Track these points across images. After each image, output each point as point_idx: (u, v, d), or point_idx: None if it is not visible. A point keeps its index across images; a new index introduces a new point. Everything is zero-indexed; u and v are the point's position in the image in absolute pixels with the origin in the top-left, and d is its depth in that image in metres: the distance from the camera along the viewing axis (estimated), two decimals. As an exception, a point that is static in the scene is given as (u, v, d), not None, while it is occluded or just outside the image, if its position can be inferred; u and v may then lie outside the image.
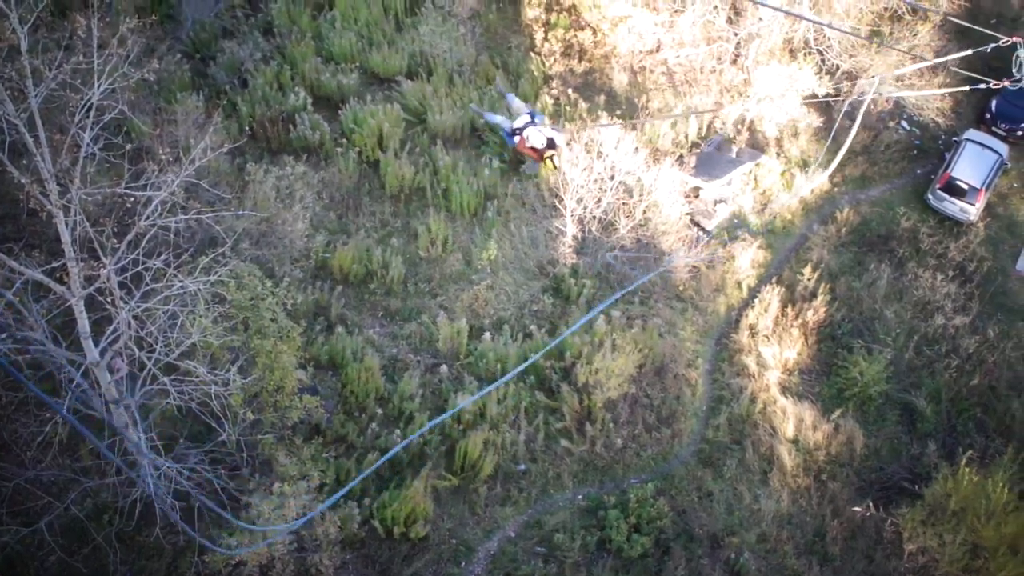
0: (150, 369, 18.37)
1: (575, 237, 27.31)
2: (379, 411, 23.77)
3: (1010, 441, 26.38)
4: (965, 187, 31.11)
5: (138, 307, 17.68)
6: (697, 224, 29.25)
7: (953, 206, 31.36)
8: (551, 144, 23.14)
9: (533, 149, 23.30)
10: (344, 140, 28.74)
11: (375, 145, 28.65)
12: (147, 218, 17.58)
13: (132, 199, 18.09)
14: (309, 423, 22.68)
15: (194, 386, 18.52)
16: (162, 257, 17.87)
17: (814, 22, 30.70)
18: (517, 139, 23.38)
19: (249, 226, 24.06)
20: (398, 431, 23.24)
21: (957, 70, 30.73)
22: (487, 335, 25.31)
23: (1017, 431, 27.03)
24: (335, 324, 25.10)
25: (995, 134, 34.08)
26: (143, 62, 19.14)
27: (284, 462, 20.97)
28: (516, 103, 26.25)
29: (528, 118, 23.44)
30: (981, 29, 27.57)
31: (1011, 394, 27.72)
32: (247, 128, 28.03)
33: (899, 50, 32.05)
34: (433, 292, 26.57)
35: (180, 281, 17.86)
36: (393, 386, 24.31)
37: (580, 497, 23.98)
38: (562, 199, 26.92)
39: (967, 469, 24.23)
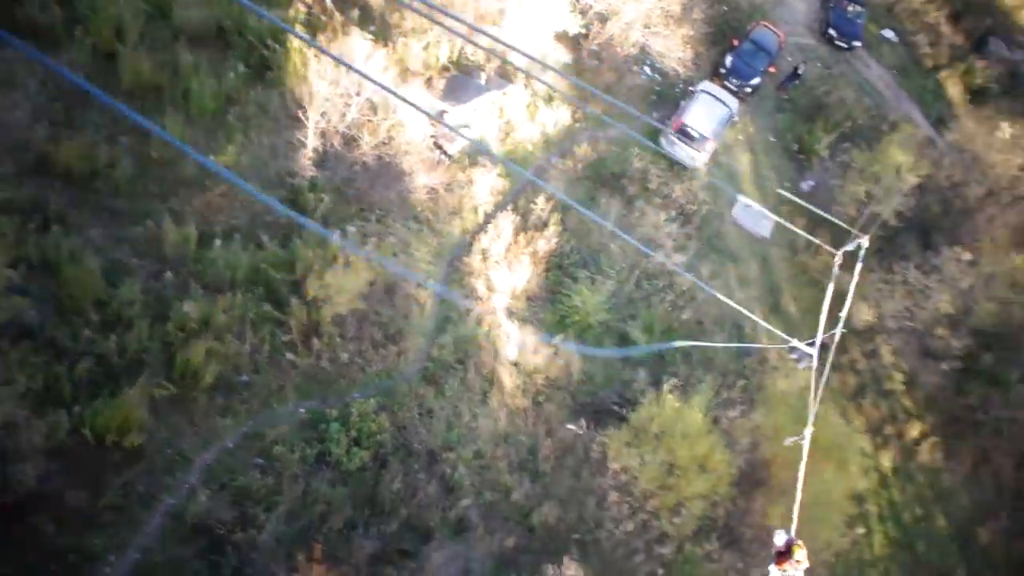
0: None
1: (316, 150, 26.97)
2: (96, 316, 22.75)
3: (710, 371, 28.69)
4: (695, 135, 33.04)
5: None
6: (440, 147, 29.57)
7: (683, 151, 33.24)
8: None
9: None
10: (78, 26, 26.89)
11: (112, 35, 26.93)
12: None
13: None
14: (19, 325, 21.41)
15: None
16: None
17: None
18: None
19: (-39, 110, 22.34)
20: (114, 337, 22.39)
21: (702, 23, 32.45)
22: (217, 242, 24.69)
23: (718, 364, 29.41)
24: (53, 222, 23.71)
25: (727, 88, 36.28)
26: None
27: (-12, 366, 19.87)
28: None
29: None
30: None
31: (715, 329, 30.06)
32: (-35, 2, 25.78)
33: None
34: (164, 195, 25.47)
35: None
36: (114, 290, 23.26)
37: (302, 410, 24.03)
38: (306, 110, 26.49)
39: (670, 395, 26.23)
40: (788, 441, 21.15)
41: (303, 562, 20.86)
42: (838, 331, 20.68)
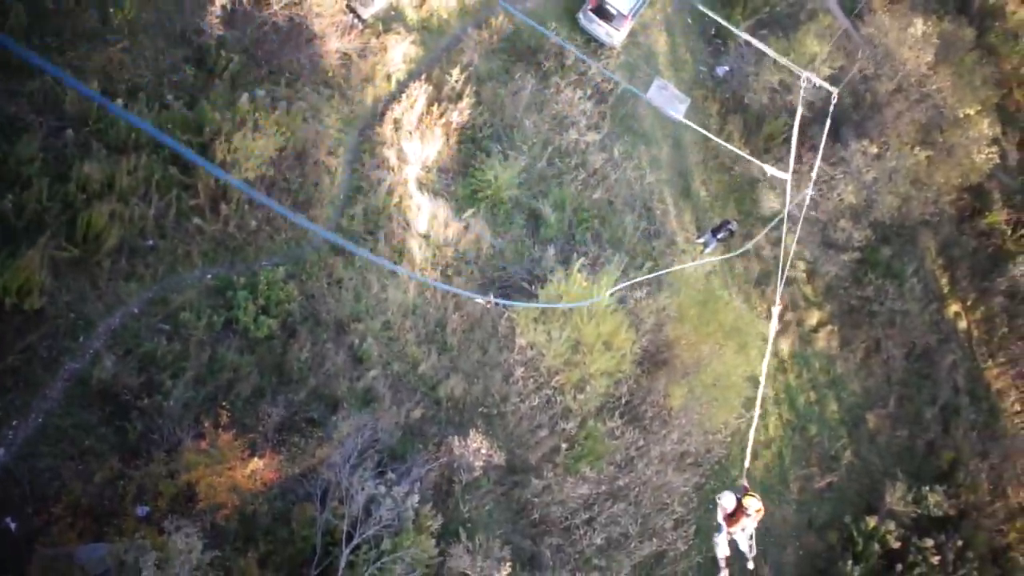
0: None
1: (224, 7, 25.77)
2: (-9, 173, 21.85)
3: (619, 251, 29.06)
4: (614, 12, 32.56)
5: None
6: (353, 11, 28.54)
7: (600, 28, 32.83)
8: None
9: None
10: None
11: None
12: None
13: None
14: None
15: None
16: None
17: None
18: None
19: None
20: (11, 196, 21.51)
21: None
22: (120, 101, 23.65)
23: (626, 243, 29.80)
24: (-61, 72, 22.48)
25: (648, -35, 35.71)
26: None
27: None
28: None
29: None
30: None
31: (626, 209, 30.31)
32: None
33: None
34: (61, 49, 24.18)
35: None
36: (10, 147, 22.24)
37: (209, 277, 23.64)
38: (213, -35, 25.32)
39: (579, 274, 26.49)
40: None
41: (209, 428, 20.81)
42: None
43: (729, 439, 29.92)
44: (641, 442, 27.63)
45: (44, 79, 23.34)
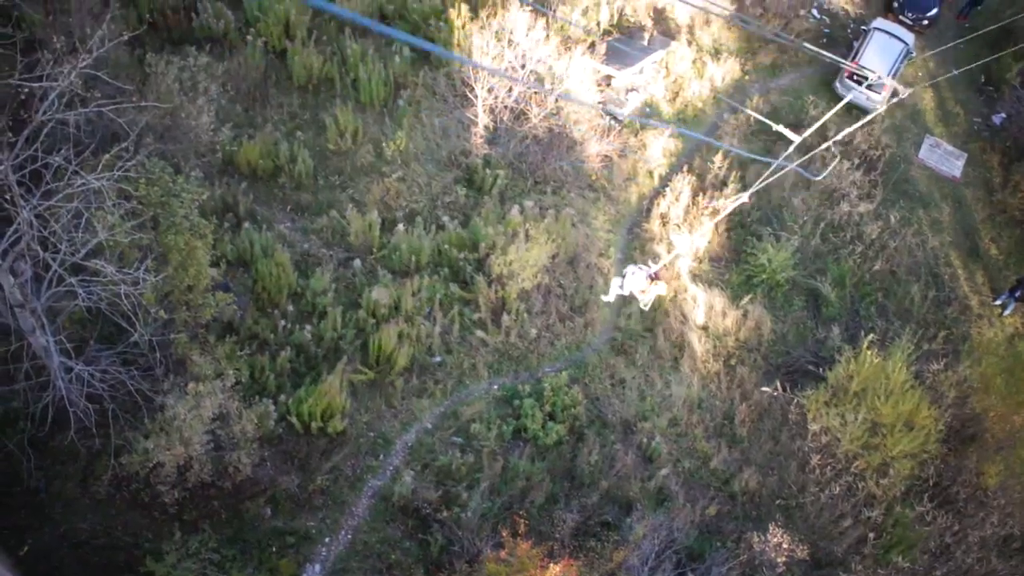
0: (55, 270, 17.76)
1: (487, 127, 26.98)
2: (291, 307, 23.50)
3: (908, 323, 27.42)
4: (871, 76, 31.38)
5: (40, 206, 16.97)
6: (609, 113, 29.12)
7: (860, 94, 31.72)
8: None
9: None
10: (249, 29, 27.68)
11: (281, 34, 27.67)
12: (44, 112, 16.76)
13: (27, 91, 17.21)
14: (222, 321, 22.35)
15: (103, 286, 17.97)
16: (62, 153, 17.11)
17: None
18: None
19: (152, 120, 23.11)
20: (309, 327, 23.04)
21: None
22: (400, 227, 25.07)
23: (915, 314, 28.09)
24: (243, 220, 24.55)
25: (902, 23, 34.41)
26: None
27: (198, 361, 20.63)
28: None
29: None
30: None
31: (910, 279, 28.68)
32: (147, 16, 26.78)
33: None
34: (343, 185, 26.13)
35: (83, 178, 17.16)
36: (306, 281, 24.02)
37: (495, 387, 24.27)
38: (473, 88, 26.51)
39: (868, 351, 25.13)
40: None
41: (507, 538, 20.97)
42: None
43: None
44: (956, 527, 25.48)
45: (331, 215, 25.09)
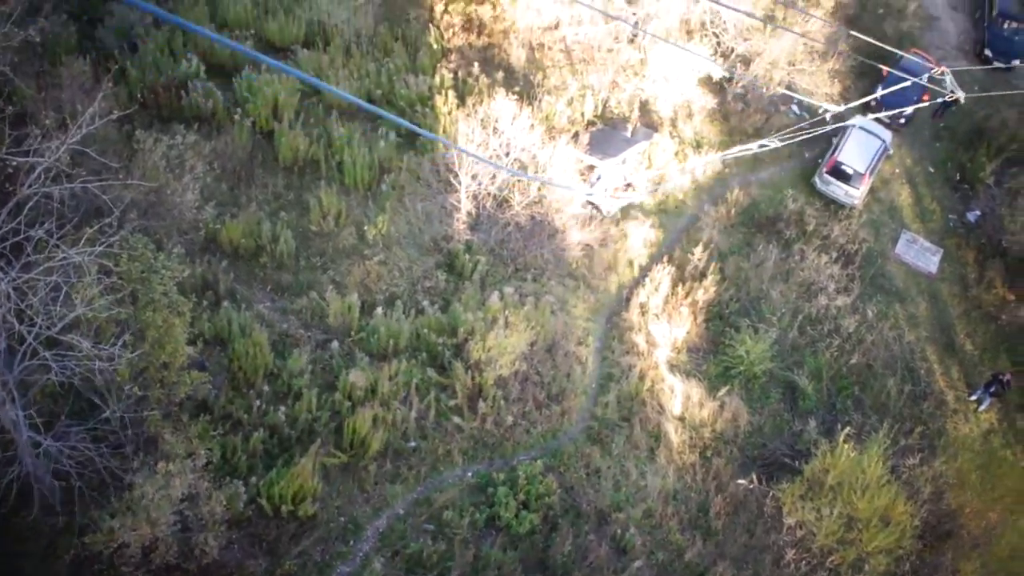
0: (30, 343, 17.70)
1: (469, 213, 27.26)
2: (267, 387, 23.41)
3: (884, 418, 27.51)
4: (850, 172, 32.00)
5: (18, 278, 16.99)
6: (591, 203, 29.45)
7: (839, 189, 32.24)
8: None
9: None
10: (238, 109, 28.05)
11: (269, 115, 28.09)
12: (30, 185, 16.90)
13: (14, 165, 17.36)
14: (196, 399, 22.20)
15: (77, 361, 17.90)
16: (45, 226, 17.20)
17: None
18: None
19: (137, 196, 23.22)
20: (284, 408, 22.93)
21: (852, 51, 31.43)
22: (379, 311, 25.11)
23: (891, 408, 28.21)
24: (223, 298, 24.57)
25: (880, 121, 35.07)
26: (26, 22, 18.34)
27: (170, 439, 20.45)
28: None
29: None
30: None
31: (887, 372, 28.84)
32: (137, 95, 27.15)
33: (793, 32, 32.72)
34: (325, 266, 26.25)
35: (64, 251, 17.22)
36: (282, 362, 23.96)
37: (470, 474, 24.09)
38: (457, 175, 26.82)
39: (845, 445, 25.15)
40: None
41: (478, 630, 20.74)
42: None
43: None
44: (933, 624, 25.33)
45: (310, 296, 25.15)
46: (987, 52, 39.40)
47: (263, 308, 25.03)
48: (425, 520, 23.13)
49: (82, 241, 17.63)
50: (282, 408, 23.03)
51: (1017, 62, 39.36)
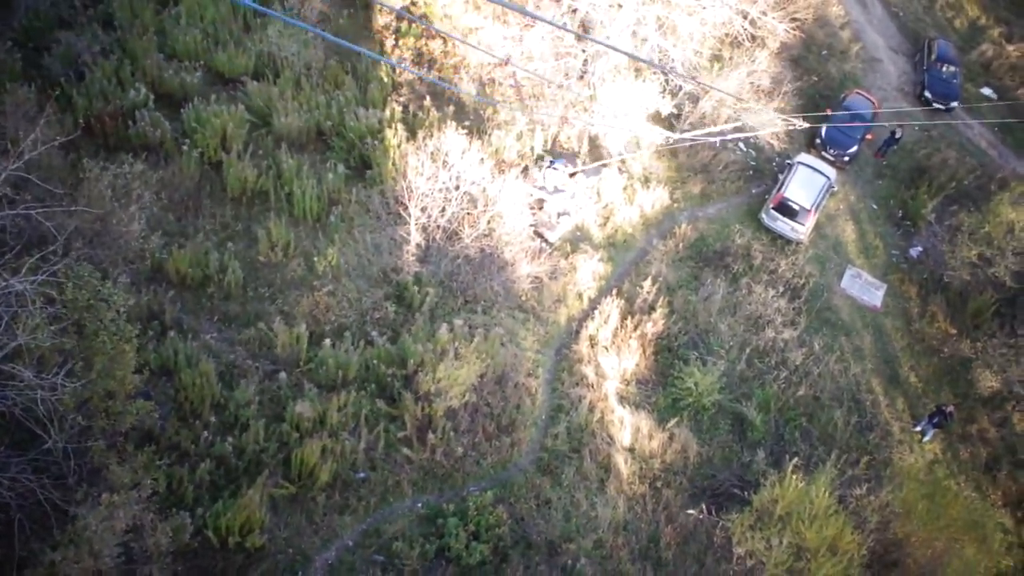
0: (-32, 373, 17.34)
1: (419, 245, 27.23)
2: (214, 418, 23.08)
3: (832, 448, 27.77)
4: (796, 208, 32.57)
5: (-44, 307, 16.68)
6: (540, 235, 29.61)
7: (785, 225, 32.77)
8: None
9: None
10: (186, 139, 27.87)
11: (218, 146, 27.91)
12: (-31, 212, 16.62)
13: (-47, 191, 17.09)
14: (142, 430, 21.77)
15: (18, 391, 17.53)
16: (-15, 254, 16.92)
17: (647, 63, 31.51)
18: None
19: (82, 225, 22.90)
20: (231, 439, 22.61)
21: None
22: (328, 342, 24.94)
23: (838, 439, 28.48)
24: (169, 328, 24.24)
25: (825, 159, 35.84)
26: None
27: (115, 470, 20.00)
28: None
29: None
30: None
31: (833, 404, 29.17)
32: (81, 122, 26.86)
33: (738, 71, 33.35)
34: (273, 297, 26.03)
35: (5, 280, 16.92)
36: (230, 392, 23.64)
37: (420, 505, 23.85)
38: (406, 207, 26.84)
39: (793, 476, 25.29)
40: None
41: (427, 662, 20.45)
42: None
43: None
44: (880, 654, 25.43)
45: (258, 326, 24.90)
46: (927, 94, 40.53)
47: (210, 338, 24.72)
48: (375, 551, 22.82)
49: (24, 269, 17.34)
50: (229, 439, 22.65)
51: (955, 104, 40.53)
